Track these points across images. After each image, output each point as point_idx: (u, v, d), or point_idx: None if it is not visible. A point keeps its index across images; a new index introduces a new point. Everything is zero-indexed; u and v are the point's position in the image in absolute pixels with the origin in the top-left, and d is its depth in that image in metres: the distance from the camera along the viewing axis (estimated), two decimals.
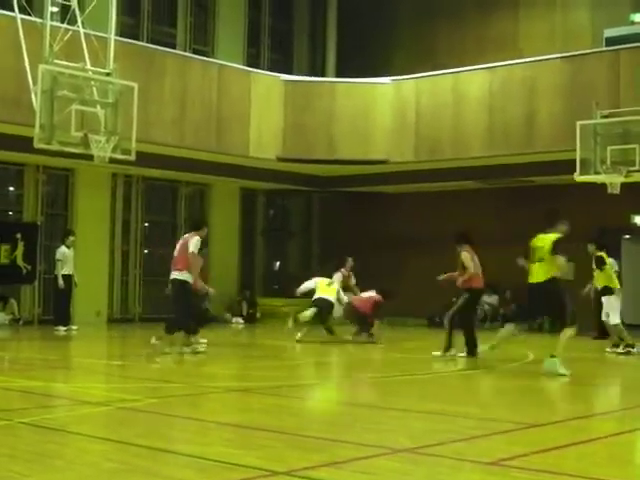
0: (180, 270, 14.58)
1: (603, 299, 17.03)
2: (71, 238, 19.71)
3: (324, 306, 18.14)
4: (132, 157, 16.99)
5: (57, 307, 20.01)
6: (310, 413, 9.16)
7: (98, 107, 17.02)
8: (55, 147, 16.22)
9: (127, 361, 14.70)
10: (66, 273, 19.42)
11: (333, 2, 27.25)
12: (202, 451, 6.82)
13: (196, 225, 15.38)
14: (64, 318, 19.50)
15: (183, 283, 14.57)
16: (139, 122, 17.27)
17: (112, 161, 17.12)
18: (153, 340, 14.76)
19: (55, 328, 19.29)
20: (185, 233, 15.96)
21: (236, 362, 14.10)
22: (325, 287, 18.47)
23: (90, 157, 16.80)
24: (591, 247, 17.58)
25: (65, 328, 19.22)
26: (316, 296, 18.35)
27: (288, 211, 28.61)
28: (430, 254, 24.86)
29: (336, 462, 6.45)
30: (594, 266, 17.40)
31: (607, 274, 16.98)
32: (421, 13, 26.28)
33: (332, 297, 18.30)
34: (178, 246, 14.93)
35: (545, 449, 7.13)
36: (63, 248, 19.54)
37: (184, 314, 14.80)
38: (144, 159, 18.42)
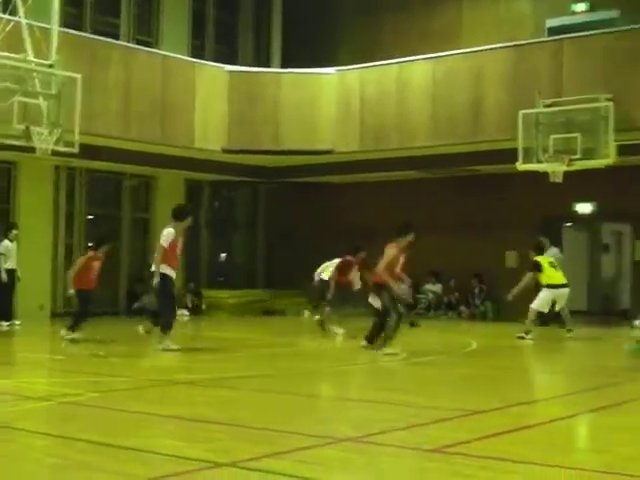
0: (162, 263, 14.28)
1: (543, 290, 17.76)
2: (14, 232, 19.40)
3: (319, 285, 18.29)
4: (75, 149, 16.87)
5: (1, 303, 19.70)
6: (255, 404, 9.16)
7: (41, 99, 16.86)
8: None
9: (70, 355, 14.57)
10: (9, 267, 19.10)
11: None
12: (146, 444, 6.81)
13: (175, 215, 14.82)
14: (6, 313, 19.21)
15: (163, 276, 14.26)
16: (82, 114, 17.15)
17: (55, 153, 16.98)
18: (141, 330, 14.79)
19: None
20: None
21: (180, 354, 14.03)
22: (326, 268, 18.63)
23: (32, 150, 16.65)
24: (531, 254, 18.17)
25: (8, 323, 18.88)
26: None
27: (234, 202, 28.55)
28: (377, 244, 24.99)
29: (279, 452, 6.48)
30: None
31: (546, 275, 17.71)
32: (366, 5, 26.29)
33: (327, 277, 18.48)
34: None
35: (486, 435, 7.22)
36: (6, 242, 19.24)
37: (170, 308, 14.77)
38: (88, 151, 18.28)
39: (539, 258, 17.99)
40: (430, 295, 24.29)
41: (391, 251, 13.73)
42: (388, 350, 13.47)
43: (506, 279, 22.90)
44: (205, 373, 11.74)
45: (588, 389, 10.92)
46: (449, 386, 10.83)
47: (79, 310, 16.38)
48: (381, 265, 13.60)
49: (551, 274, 17.70)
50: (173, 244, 14.37)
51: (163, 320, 14.62)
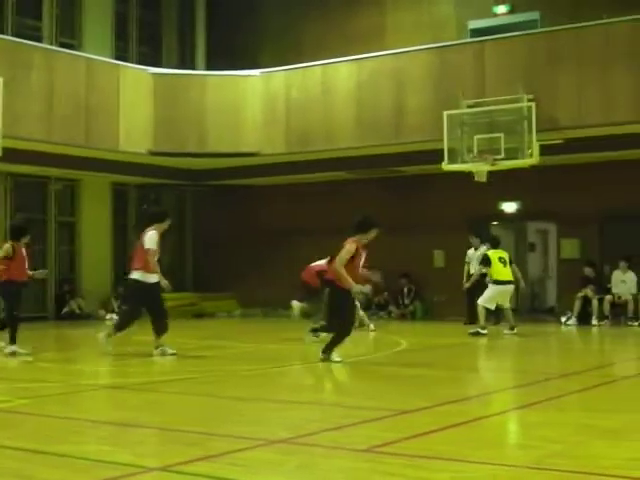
0: (136, 269, 13.90)
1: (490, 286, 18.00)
2: None
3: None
4: None
5: None
6: (185, 408, 9.15)
7: None
8: None
9: None
10: None
11: None
12: (76, 450, 6.77)
13: (153, 218, 14.46)
14: None
15: (135, 282, 13.98)
16: (5, 117, 16.98)
17: None
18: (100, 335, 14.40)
19: None
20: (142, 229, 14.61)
21: (110, 359, 13.94)
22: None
23: None
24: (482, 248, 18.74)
25: None
26: None
27: (161, 205, 28.38)
28: (305, 245, 25.07)
29: (211, 455, 6.48)
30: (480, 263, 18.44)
31: (494, 270, 17.93)
32: (290, 6, 26.34)
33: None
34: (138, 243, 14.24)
35: (416, 434, 7.30)
36: None
37: (132, 314, 14.46)
38: (11, 155, 18.09)
39: (490, 252, 18.18)
40: (360, 296, 24.33)
41: (351, 247, 12.44)
42: (336, 357, 12.68)
43: (434, 279, 23.22)
44: (134, 377, 11.69)
45: (517, 386, 11.09)
46: (378, 386, 10.90)
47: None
48: (337, 261, 12.46)
49: (499, 270, 17.85)
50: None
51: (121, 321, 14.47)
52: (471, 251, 20.87)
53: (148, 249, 13.84)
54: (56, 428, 7.92)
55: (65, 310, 23.94)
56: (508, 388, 10.96)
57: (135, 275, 13.96)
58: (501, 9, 23.73)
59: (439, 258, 23.82)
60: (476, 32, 23.34)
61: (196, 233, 27.84)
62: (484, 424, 8.05)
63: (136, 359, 14.23)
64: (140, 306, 14.38)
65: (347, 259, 12.42)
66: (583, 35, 19.95)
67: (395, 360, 13.97)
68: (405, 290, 24.01)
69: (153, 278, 13.94)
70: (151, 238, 13.91)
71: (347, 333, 12.84)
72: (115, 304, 24.44)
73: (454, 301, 21.77)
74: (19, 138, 19.48)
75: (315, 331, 15.92)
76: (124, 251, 25.66)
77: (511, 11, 23.63)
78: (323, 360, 12.68)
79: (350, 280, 12.38)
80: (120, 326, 14.46)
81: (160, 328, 14.08)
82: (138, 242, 14.28)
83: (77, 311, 24.12)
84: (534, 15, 23.14)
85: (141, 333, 20.82)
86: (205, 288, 26.35)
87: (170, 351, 13.99)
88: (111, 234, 25.95)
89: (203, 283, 26.77)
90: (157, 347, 14.06)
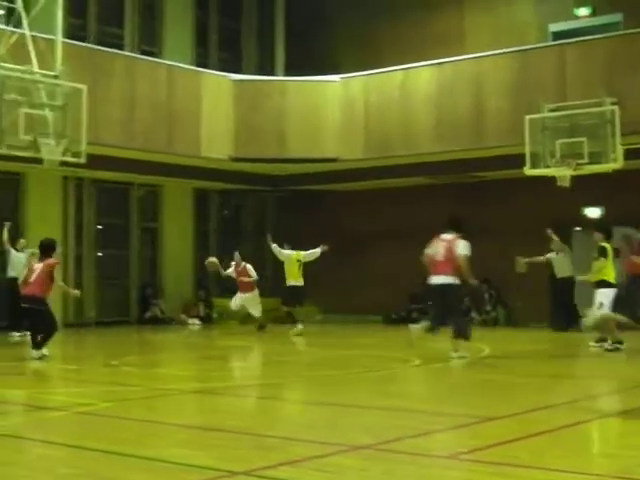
0: (447, 274, 13.98)
1: (598, 291, 16.00)
2: (22, 241, 19.44)
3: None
4: (82, 160, 16.88)
5: (11, 313, 19.55)
6: (267, 413, 9.16)
7: (47, 110, 16.89)
8: (4, 151, 16.07)
9: (82, 365, 14.59)
10: (13, 276, 18.72)
11: (281, 1, 27.24)
12: (158, 453, 6.81)
13: (457, 227, 14.52)
14: (19, 324, 18.99)
15: (454, 287, 14.06)
16: (88, 124, 17.15)
17: (63, 164, 17.01)
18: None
19: (9, 334, 19.00)
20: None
21: (193, 363, 14.04)
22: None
23: (40, 161, 16.67)
24: (597, 236, 16.56)
25: (19, 334, 18.70)
26: None
27: (241, 210, 28.53)
28: (383, 251, 24.99)
29: (294, 461, 6.46)
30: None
31: (608, 267, 16.01)
32: (368, 11, 26.28)
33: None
34: (441, 249, 14.21)
35: (502, 442, 7.19)
36: (13, 252, 19.29)
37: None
38: (95, 161, 18.29)
39: (606, 244, 16.27)
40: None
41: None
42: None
43: (515, 285, 22.90)
44: (217, 382, 11.73)
45: (605, 394, 10.90)
46: (461, 392, 10.81)
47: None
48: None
49: (611, 269, 16.05)
50: None
51: (460, 327, 14.33)
52: (552, 254, 20.64)
53: (463, 255, 14.10)
54: (139, 431, 7.98)
55: (147, 315, 24.19)
56: (596, 396, 10.76)
57: (448, 280, 13.98)
58: (583, 11, 23.39)
59: (520, 264, 23.50)
60: (557, 35, 23.05)
61: (276, 238, 27.87)
62: (570, 432, 7.90)
63: (218, 363, 14.30)
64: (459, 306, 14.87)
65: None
66: None
67: (479, 366, 13.81)
68: (486, 296, 23.77)
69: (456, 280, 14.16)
70: (466, 245, 14.19)
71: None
72: (200, 308, 24.66)
73: (535, 307, 21.51)
74: (102, 145, 19.71)
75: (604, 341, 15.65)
76: (206, 257, 25.85)
77: (593, 13, 23.28)
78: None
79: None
80: (466, 332, 14.27)
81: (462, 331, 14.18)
82: (442, 246, 14.24)
83: (159, 315, 24.34)
84: (616, 17, 22.77)
85: (223, 338, 20.98)
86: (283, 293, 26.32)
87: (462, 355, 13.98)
88: (193, 239, 26.15)
89: (283, 288, 26.78)
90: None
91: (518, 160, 19.72)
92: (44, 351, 14.45)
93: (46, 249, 15.02)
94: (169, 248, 25.37)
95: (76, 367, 14.30)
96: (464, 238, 14.02)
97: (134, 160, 22.01)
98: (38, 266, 14.84)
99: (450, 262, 14.02)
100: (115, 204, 24.96)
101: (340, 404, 9.56)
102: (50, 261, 14.80)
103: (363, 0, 26.58)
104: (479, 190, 23.95)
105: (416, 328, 14.49)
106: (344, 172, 24.22)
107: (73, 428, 8.32)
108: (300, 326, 19.99)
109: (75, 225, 23.42)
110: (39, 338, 14.58)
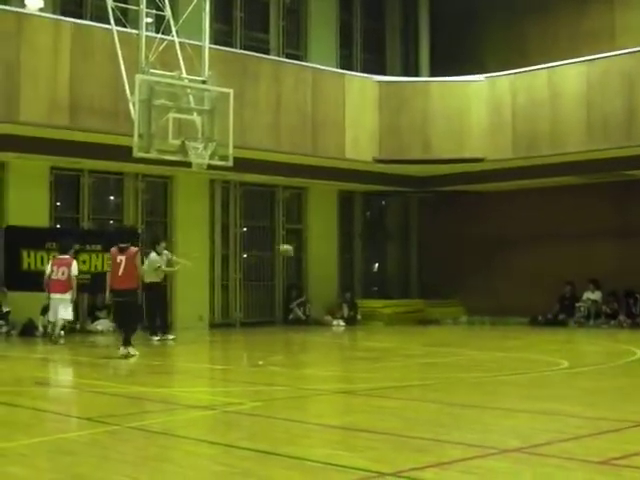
0: None
1: None
2: (162, 244, 19.44)
3: None
4: (230, 163, 17.13)
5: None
6: (414, 414, 9.10)
7: (194, 114, 17.23)
8: (154, 155, 16.43)
9: (230, 365, 14.80)
10: (153, 281, 18.62)
11: (424, 1, 27.12)
12: (307, 453, 6.84)
13: None
14: (162, 326, 18.97)
15: None
16: (235, 128, 17.39)
17: (210, 167, 17.30)
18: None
19: (149, 337, 18.60)
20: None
21: (338, 364, 14.08)
22: None
23: (188, 164, 17.00)
24: None
25: (158, 338, 18.41)
26: None
27: (385, 212, 28.51)
28: (530, 253, 24.62)
29: (443, 463, 6.41)
30: None
31: None
32: (513, 9, 25.94)
33: None
34: None
35: None
36: (153, 255, 19.24)
37: None
38: (241, 164, 18.52)
39: None
40: (589, 303, 23.67)
41: None
42: None
43: None
44: (364, 383, 11.74)
45: None
46: (613, 396, 10.53)
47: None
48: None
49: None
50: None
51: None
52: None
53: None
54: (287, 431, 8.03)
55: (292, 316, 24.39)
56: None
57: None
58: None
59: None
60: None
61: (421, 239, 27.80)
62: None
63: (363, 364, 14.30)
64: None
65: None
66: None
67: (630, 370, 13.44)
68: (631, 300, 23.14)
69: None
70: None
71: None
72: (344, 310, 24.75)
73: None
74: (248, 148, 19.97)
75: None
76: (351, 258, 25.95)
77: None
78: None
79: None
80: None
81: None
82: None
83: (303, 317, 24.52)
84: None
85: (369, 339, 20.99)
86: (430, 294, 26.24)
87: None
88: (337, 241, 26.27)
89: (428, 289, 26.69)
90: None
91: None
92: (130, 350, 14.60)
93: (127, 241, 15.39)
94: (314, 250, 25.53)
95: (223, 367, 14.51)
96: None
97: (280, 163, 22.22)
98: (121, 258, 15.04)
99: None
100: (261, 206, 25.26)
101: (487, 407, 9.43)
102: (131, 250, 15.09)
103: None
104: (629, 189, 23.35)
105: None
106: (489, 172, 23.94)
107: (223, 427, 8.44)
108: None
109: (221, 227, 23.81)
110: (123, 335, 14.85)
